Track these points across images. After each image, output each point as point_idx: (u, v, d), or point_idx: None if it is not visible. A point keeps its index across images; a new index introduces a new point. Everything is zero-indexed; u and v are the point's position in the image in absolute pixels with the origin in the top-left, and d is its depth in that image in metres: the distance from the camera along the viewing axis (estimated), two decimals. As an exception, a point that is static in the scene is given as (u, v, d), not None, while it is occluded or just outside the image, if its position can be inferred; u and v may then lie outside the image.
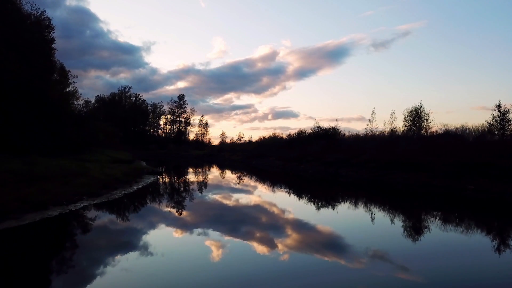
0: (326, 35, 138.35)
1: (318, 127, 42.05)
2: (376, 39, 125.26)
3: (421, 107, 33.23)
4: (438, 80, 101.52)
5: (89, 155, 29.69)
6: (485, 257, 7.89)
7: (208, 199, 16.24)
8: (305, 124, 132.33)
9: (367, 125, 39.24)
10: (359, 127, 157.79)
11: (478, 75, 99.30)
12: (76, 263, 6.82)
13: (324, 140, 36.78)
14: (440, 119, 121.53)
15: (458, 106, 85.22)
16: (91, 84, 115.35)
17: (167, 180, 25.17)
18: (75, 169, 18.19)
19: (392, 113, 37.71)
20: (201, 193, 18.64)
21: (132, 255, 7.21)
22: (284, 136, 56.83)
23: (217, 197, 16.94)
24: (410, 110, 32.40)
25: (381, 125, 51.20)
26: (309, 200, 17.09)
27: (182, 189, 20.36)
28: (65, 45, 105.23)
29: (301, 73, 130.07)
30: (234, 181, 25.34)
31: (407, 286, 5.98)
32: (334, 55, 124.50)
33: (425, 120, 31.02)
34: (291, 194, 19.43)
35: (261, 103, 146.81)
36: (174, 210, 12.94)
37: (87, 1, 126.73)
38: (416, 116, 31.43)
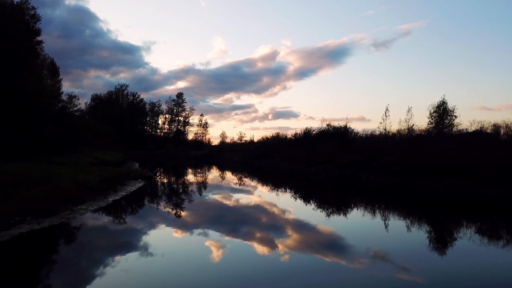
0: (327, 35, 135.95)
1: (328, 125, 38.22)
2: (377, 38, 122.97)
3: (444, 102, 29.50)
4: (439, 80, 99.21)
5: (69, 157, 25.95)
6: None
7: (207, 219, 12.45)
8: (305, 124, 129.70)
9: (380, 123, 35.33)
10: (360, 127, 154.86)
11: (478, 75, 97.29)
12: None
13: (336, 140, 32.95)
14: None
15: (458, 106, 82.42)
16: (91, 84, 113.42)
17: (156, 187, 21.35)
18: (36, 175, 14.43)
19: (409, 110, 33.93)
20: (198, 207, 14.85)
21: None
22: (289, 135, 53.02)
23: (220, 212, 13.19)
24: (436, 105, 28.55)
25: (385, 124, 45.54)
26: (343, 216, 13.30)
27: (173, 201, 16.54)
28: (64, 44, 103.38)
29: (302, 73, 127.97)
30: (238, 188, 21.55)
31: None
32: (334, 55, 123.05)
33: (453, 117, 27.19)
34: (315, 207, 15.63)
35: (261, 103, 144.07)
36: (157, 241, 9.16)
37: (87, 0, 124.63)
38: (444, 112, 27.60)
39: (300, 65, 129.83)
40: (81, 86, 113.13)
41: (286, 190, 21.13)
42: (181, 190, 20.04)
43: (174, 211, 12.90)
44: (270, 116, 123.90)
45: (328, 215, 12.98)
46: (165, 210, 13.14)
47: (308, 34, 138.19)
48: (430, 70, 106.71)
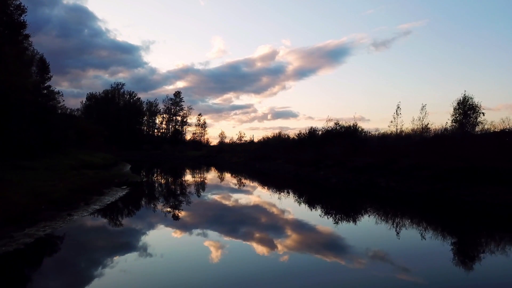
0: (326, 35, 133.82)
1: (336, 123, 35.11)
2: (377, 38, 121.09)
3: (468, 98, 26.33)
4: (439, 80, 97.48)
5: (47, 160, 22.92)
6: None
7: (206, 256, 9.38)
8: (305, 124, 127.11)
9: (391, 122, 32.12)
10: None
11: (478, 75, 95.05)
12: None
13: (346, 140, 29.91)
14: (440, 118, 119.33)
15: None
16: (90, 84, 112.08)
17: (142, 197, 18.23)
18: (-18, 186, 11.40)
19: (423, 107, 30.77)
20: (193, 232, 11.74)
21: None
22: (292, 135, 50.01)
23: (223, 242, 10.13)
24: (460, 100, 25.44)
25: (396, 123, 41.01)
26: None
27: (159, 222, 13.40)
28: (63, 44, 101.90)
29: (301, 73, 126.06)
30: (245, 199, 18.49)
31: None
32: (334, 55, 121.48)
33: (481, 114, 24.10)
34: (340, 222, 12.53)
35: (261, 103, 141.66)
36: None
37: (85, 0, 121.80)
38: (470, 109, 24.53)
39: (300, 65, 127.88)
40: (80, 86, 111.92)
41: (300, 199, 18.09)
42: (172, 203, 16.95)
43: (159, 238, 9.82)
44: (269, 116, 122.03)
45: (363, 236, 9.93)
46: (147, 235, 10.03)
47: (308, 34, 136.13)
48: (430, 70, 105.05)
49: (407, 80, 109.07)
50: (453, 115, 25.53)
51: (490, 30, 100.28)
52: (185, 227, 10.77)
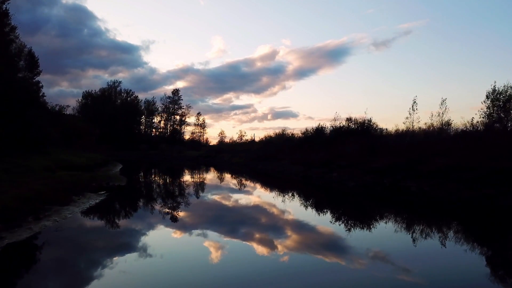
0: (326, 34, 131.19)
1: (349, 119, 31.70)
2: (377, 38, 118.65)
3: (495, 89, 22.98)
4: (439, 80, 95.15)
5: (14, 160, 19.63)
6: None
7: None
8: (305, 124, 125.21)
9: (406, 118, 28.82)
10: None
11: (478, 75, 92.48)
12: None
13: (362, 138, 26.59)
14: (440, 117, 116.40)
15: (458, 106, 78.81)
16: (90, 84, 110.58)
17: (116, 207, 14.86)
18: None
19: (442, 102, 27.47)
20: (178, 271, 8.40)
21: None
22: (297, 134, 46.73)
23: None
24: (490, 92, 22.17)
25: (412, 119, 36.91)
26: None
27: (133, 249, 10.05)
28: (62, 44, 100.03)
29: (301, 73, 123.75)
30: (255, 209, 15.17)
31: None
32: (334, 55, 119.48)
33: (519, 107, 20.76)
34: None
35: (261, 103, 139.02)
36: None
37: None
38: (508, 100, 21.22)
39: (300, 64, 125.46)
40: (80, 86, 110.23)
41: (321, 209, 14.79)
42: (157, 218, 13.58)
43: (127, 280, 6.49)
44: (269, 116, 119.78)
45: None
46: (110, 271, 6.72)
47: (308, 34, 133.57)
48: (431, 70, 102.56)
49: (407, 79, 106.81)
50: (487, 108, 22.15)
51: (490, 30, 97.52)
52: (168, 262, 7.48)
